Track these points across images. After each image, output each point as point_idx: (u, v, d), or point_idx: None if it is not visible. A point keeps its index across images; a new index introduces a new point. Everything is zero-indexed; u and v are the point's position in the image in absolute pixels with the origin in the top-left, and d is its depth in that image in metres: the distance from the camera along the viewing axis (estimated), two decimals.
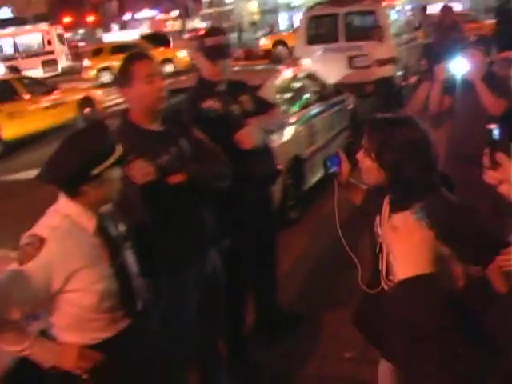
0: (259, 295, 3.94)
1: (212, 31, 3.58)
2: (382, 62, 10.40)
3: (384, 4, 11.09)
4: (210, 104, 3.43)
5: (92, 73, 23.44)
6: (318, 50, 10.94)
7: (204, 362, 3.19)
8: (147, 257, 2.44)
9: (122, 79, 2.78)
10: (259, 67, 9.25)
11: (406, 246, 1.33)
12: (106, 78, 22.42)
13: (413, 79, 11.52)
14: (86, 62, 24.27)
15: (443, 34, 8.71)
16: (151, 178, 2.62)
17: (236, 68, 9.21)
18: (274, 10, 42.51)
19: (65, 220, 2.15)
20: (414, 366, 1.28)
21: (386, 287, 2.26)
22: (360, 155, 2.22)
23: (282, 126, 4.53)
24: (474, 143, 2.40)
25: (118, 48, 22.35)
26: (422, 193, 2.02)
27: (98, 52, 24.54)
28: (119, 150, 2.19)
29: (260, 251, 3.77)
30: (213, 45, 3.41)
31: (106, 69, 22.61)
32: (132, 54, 2.92)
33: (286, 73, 6.96)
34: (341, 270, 4.39)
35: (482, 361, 1.20)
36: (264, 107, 3.70)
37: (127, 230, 2.38)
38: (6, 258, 2.70)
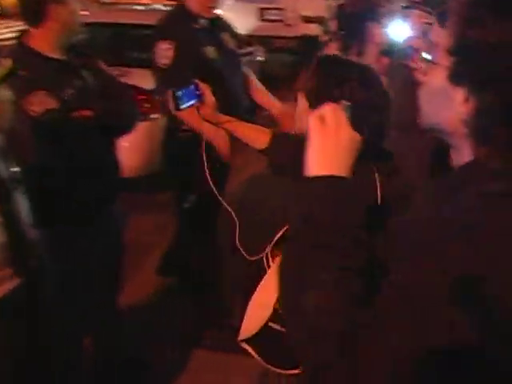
0: None
1: None
2: (307, 20, 10.13)
3: None
4: (209, 51, 3.11)
5: None
6: None
7: (101, 325, 2.90)
8: (44, 205, 2.08)
9: None
10: (168, 8, 8.75)
11: (330, 142, 1.14)
12: None
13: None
14: None
15: None
16: (53, 113, 2.26)
17: (137, 7, 8.72)
18: None
19: None
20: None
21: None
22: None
23: None
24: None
25: None
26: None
27: None
28: (7, 64, 1.83)
29: None
30: None
31: None
32: None
33: None
34: None
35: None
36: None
37: (20, 173, 2.01)
38: None
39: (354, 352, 0.94)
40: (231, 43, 3.28)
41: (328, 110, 1.16)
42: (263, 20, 10.23)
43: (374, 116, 1.85)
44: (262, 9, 10.21)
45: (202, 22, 3.13)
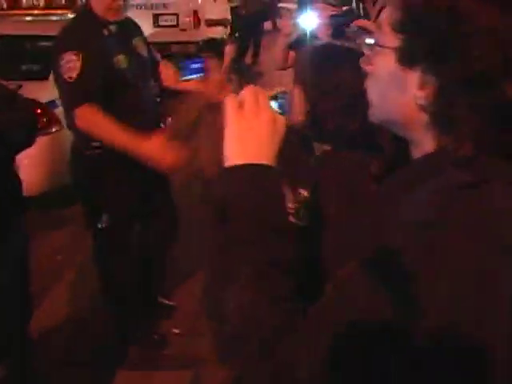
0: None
1: None
2: (211, 23, 10.10)
3: None
4: (120, 60, 2.89)
5: None
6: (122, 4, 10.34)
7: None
8: None
9: None
10: (60, 17, 8.51)
11: (247, 127, 1.01)
12: None
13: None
14: None
15: None
16: None
17: (30, 18, 8.43)
18: None
19: None
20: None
21: None
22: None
23: None
24: None
25: None
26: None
27: None
28: None
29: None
30: None
31: None
32: None
33: None
34: None
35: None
36: (154, 60, 3.28)
37: None
38: None
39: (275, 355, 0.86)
40: (142, 48, 3.12)
41: (247, 93, 1.03)
42: (158, 26, 10.13)
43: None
44: (157, 15, 10.11)
45: (111, 27, 2.95)
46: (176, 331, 3.57)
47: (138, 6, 10.28)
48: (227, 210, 0.96)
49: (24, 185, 2.61)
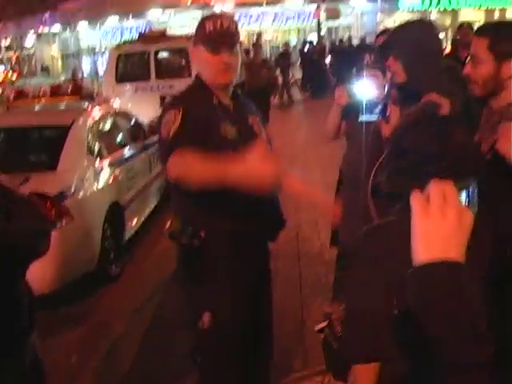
0: None
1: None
2: None
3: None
4: (228, 130, 2.63)
5: None
6: (129, 88, 10.47)
7: None
8: None
9: None
10: (67, 105, 8.51)
11: (436, 224, 1.06)
12: None
13: None
14: None
15: None
16: None
17: (38, 106, 8.43)
18: (77, 54, 41.37)
19: None
20: None
21: None
22: None
23: None
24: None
25: None
26: None
27: None
28: None
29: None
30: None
31: None
32: None
33: (98, 111, 6.34)
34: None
35: None
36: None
37: None
38: None
39: None
40: (259, 128, 2.84)
41: (433, 188, 1.06)
42: None
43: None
44: (163, 97, 10.12)
45: (222, 98, 2.70)
46: None
47: (144, 88, 10.37)
48: (422, 307, 1.01)
49: (33, 284, 2.35)
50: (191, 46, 2.78)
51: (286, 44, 22.19)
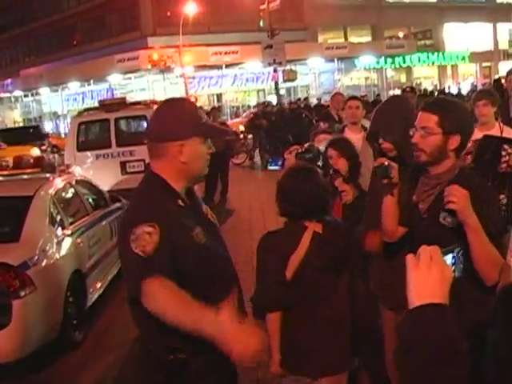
0: None
1: None
2: None
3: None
4: (199, 233, 2.36)
5: None
6: (90, 156, 10.56)
7: None
8: None
9: None
10: (29, 176, 8.67)
11: (422, 276, 1.43)
12: None
13: None
14: None
15: None
16: None
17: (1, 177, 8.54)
18: (39, 119, 41.50)
19: None
20: None
21: None
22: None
23: None
24: None
25: None
26: None
27: None
28: None
29: None
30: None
31: None
32: None
33: (59, 181, 6.54)
34: None
35: None
36: None
37: None
38: None
39: None
40: (212, 217, 2.63)
41: (423, 250, 1.42)
42: (126, 173, 10.29)
43: None
44: (124, 162, 10.33)
45: (182, 195, 2.45)
46: None
47: (105, 155, 10.51)
48: (414, 340, 1.33)
49: None
50: (180, 138, 2.36)
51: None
